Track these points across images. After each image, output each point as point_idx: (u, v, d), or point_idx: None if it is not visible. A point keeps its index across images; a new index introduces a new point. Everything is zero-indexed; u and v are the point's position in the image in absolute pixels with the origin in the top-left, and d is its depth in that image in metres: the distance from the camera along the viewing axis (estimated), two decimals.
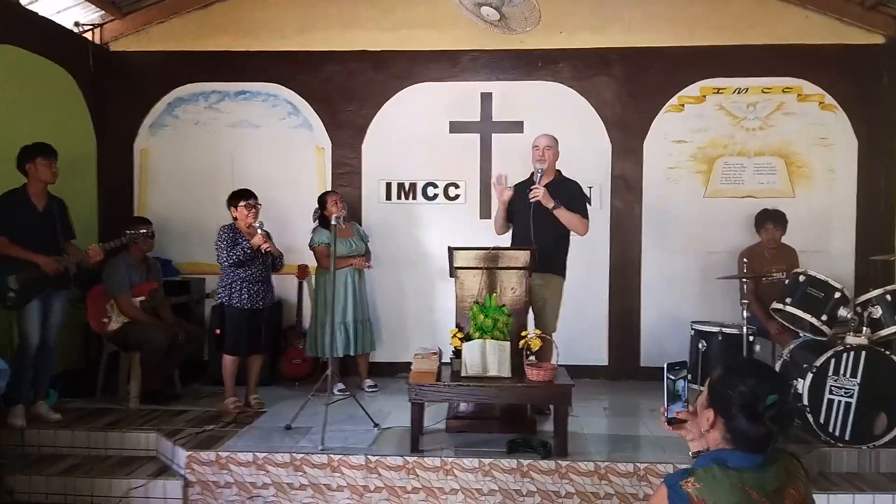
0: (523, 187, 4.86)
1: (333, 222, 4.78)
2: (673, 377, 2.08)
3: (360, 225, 5.98)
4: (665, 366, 2.10)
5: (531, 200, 4.64)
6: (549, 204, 4.65)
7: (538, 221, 4.67)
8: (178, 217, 6.31)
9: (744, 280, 4.90)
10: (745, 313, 4.86)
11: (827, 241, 5.98)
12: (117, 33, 6.34)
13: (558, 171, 4.99)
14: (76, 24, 6.08)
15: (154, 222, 6.17)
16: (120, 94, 6.34)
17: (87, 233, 5.92)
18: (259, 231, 4.87)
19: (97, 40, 6.29)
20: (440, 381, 4.14)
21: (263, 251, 4.91)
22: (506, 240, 5.08)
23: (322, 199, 5.64)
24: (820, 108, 6.06)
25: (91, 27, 6.21)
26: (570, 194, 4.83)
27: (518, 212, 4.88)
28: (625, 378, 6.13)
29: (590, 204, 5.96)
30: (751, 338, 4.91)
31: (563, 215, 4.71)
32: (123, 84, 6.34)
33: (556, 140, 4.96)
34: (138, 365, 5.19)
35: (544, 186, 4.72)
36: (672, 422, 2.11)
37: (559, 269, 4.90)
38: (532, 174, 4.82)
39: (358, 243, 5.67)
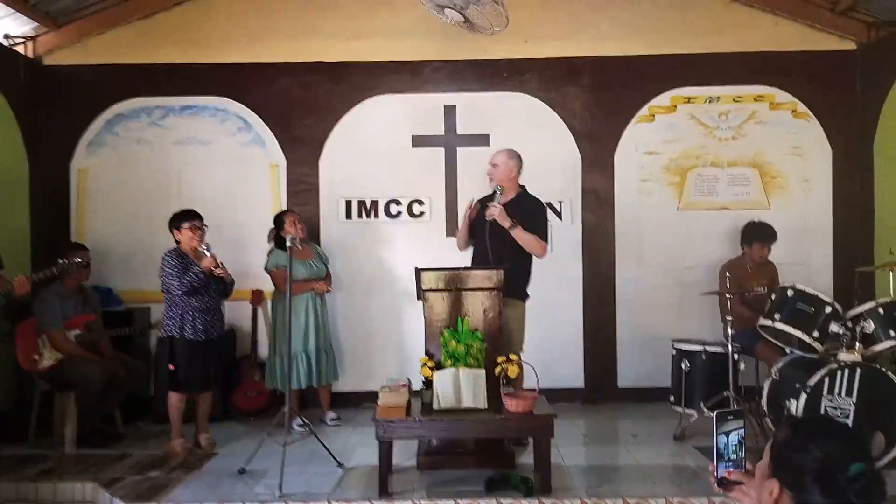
0: (483, 202, 4.61)
1: (289, 244, 4.38)
2: (724, 429, 1.73)
3: (320, 245, 5.60)
4: (714, 415, 1.74)
5: (487, 219, 4.39)
6: (506, 223, 4.39)
7: (495, 241, 4.41)
8: (120, 242, 5.84)
9: (728, 296, 4.64)
10: (729, 330, 4.61)
11: (805, 252, 5.80)
12: (52, 46, 5.89)
13: (522, 188, 4.74)
14: (6, 36, 5.62)
15: (94, 248, 5.73)
16: (55, 110, 5.87)
17: (19, 260, 5.43)
18: (207, 253, 4.47)
19: (29, 54, 5.83)
20: (410, 416, 3.77)
21: (216, 275, 4.50)
22: (468, 256, 4.79)
23: (279, 220, 5.24)
24: (793, 116, 5.91)
25: (23, 40, 5.75)
26: (528, 213, 4.58)
27: (477, 229, 4.60)
28: (602, 401, 5.84)
29: (560, 219, 5.78)
30: (735, 356, 4.66)
31: (520, 235, 4.45)
32: (58, 100, 5.88)
33: (516, 155, 4.70)
34: (74, 405, 4.71)
35: (503, 205, 4.46)
36: (723, 483, 1.73)
37: (519, 294, 4.58)
38: (493, 191, 4.55)
39: (318, 265, 5.29)
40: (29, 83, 5.72)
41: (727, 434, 1.72)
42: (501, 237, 4.42)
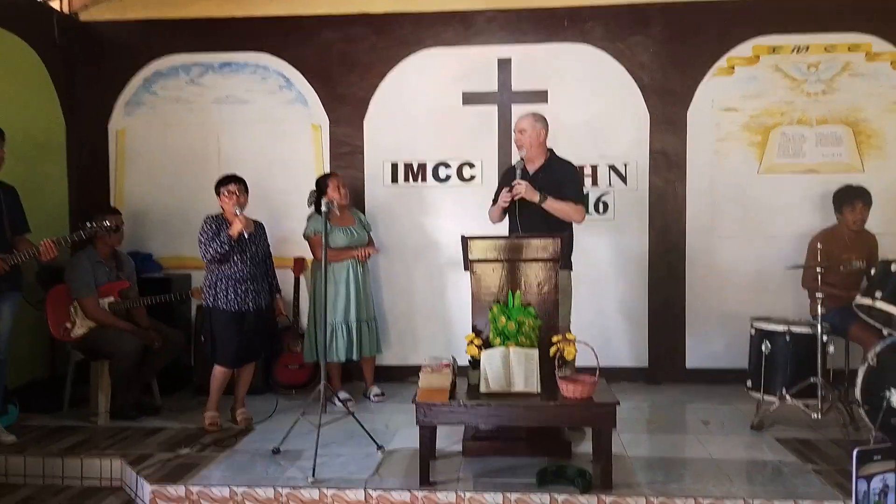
0: (512, 171, 4.31)
1: (324, 208, 4.03)
2: (866, 472, 1.27)
3: (363, 212, 5.23)
4: (854, 454, 1.29)
5: (514, 198, 4.09)
6: (535, 197, 4.10)
7: (526, 214, 4.12)
8: (160, 206, 5.61)
9: (819, 270, 4.08)
10: (820, 309, 4.07)
11: None
12: (87, 1, 5.63)
13: (550, 152, 4.36)
14: None
15: (133, 212, 5.57)
16: (91, 69, 5.64)
17: (57, 225, 5.28)
18: (238, 214, 4.16)
19: (64, 10, 5.59)
20: (454, 399, 3.39)
21: (246, 237, 4.20)
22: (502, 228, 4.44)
23: (321, 183, 4.91)
24: (892, 67, 5.22)
25: None
26: (558, 179, 4.23)
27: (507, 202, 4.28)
28: (667, 382, 5.36)
29: (625, 183, 5.32)
30: (824, 338, 4.12)
31: (553, 206, 4.14)
32: (95, 58, 5.63)
33: (542, 118, 4.30)
34: (107, 376, 4.51)
35: (532, 173, 4.20)
36: None
37: (565, 262, 4.17)
38: (516, 165, 4.24)
39: (360, 232, 4.94)
40: (64, 41, 5.49)
41: (868, 479, 1.26)
42: (531, 210, 4.11)
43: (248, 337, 4.34)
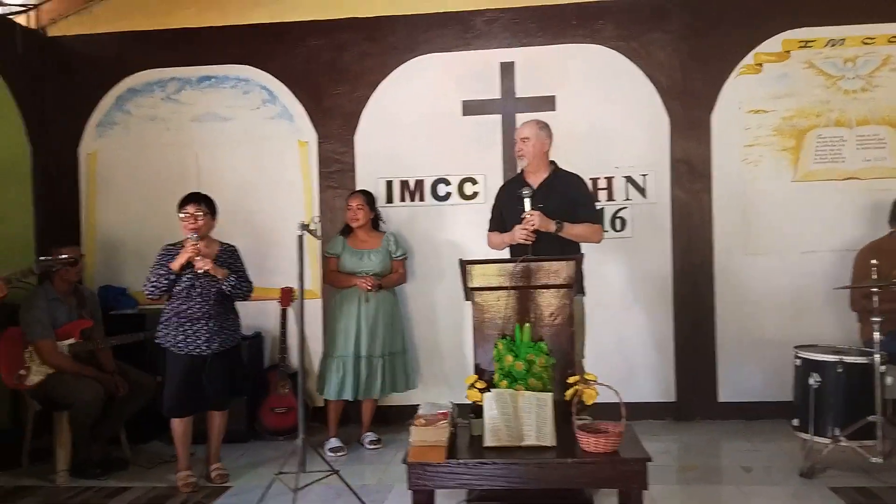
0: (512, 189, 3.85)
1: (312, 225, 3.59)
2: None
3: (393, 235, 4.64)
4: None
5: (525, 241, 3.62)
6: (551, 227, 3.65)
7: (535, 243, 3.63)
8: (135, 234, 5.13)
9: (873, 290, 3.53)
10: (877, 335, 3.51)
11: None
12: (55, 15, 5.21)
13: (553, 164, 3.88)
14: (0, 3, 4.95)
15: (105, 241, 5.13)
16: (59, 88, 5.20)
17: (21, 257, 4.76)
18: (193, 243, 3.66)
19: (31, 24, 5.17)
20: (453, 457, 2.85)
21: (198, 272, 3.68)
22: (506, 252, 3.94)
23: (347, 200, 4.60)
24: None
25: (22, 8, 5.09)
26: (569, 197, 3.78)
27: (507, 223, 3.84)
28: (698, 418, 4.79)
29: (644, 195, 4.81)
30: (882, 368, 3.56)
31: (570, 232, 3.71)
32: (63, 76, 5.20)
33: (546, 126, 3.86)
34: (67, 428, 4.01)
35: (536, 189, 3.77)
36: None
37: (578, 287, 3.65)
38: (520, 188, 3.75)
39: (378, 258, 4.44)
40: (29, 57, 5.06)
41: None
42: (540, 235, 3.63)
43: (198, 384, 3.76)
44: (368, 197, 4.53)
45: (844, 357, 3.69)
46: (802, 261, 4.71)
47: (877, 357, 3.54)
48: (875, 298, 3.55)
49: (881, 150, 4.71)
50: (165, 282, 3.68)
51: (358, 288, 4.37)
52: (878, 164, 4.71)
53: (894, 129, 4.70)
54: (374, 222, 4.55)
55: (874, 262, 3.61)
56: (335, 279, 4.46)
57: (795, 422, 3.85)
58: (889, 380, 3.61)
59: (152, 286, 3.70)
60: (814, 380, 3.71)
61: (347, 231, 4.51)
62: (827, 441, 3.66)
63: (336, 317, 4.42)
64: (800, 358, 3.85)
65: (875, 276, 3.60)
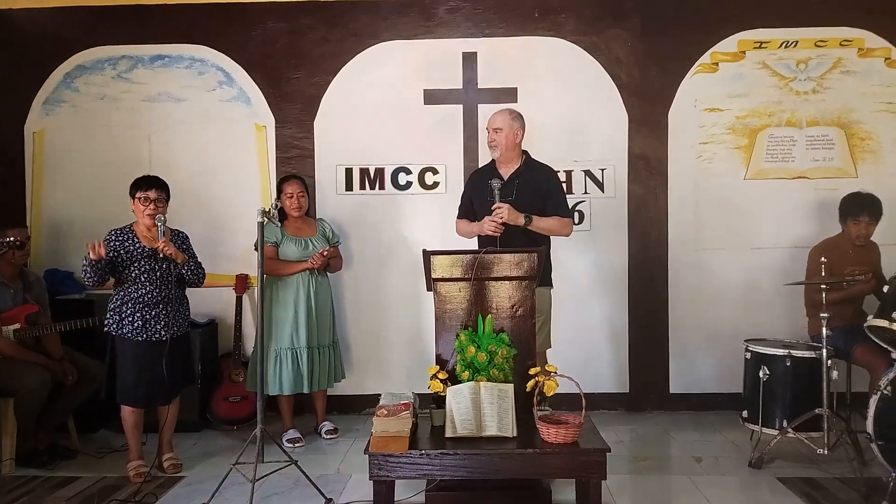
0: (482, 178, 3.82)
1: (258, 218, 3.47)
2: None
3: (326, 221, 4.60)
4: None
5: (493, 233, 3.57)
6: (519, 220, 3.62)
7: (503, 234, 3.60)
8: (83, 217, 4.95)
9: (823, 287, 3.65)
10: (825, 330, 3.63)
11: None
12: None
13: (525, 154, 3.86)
14: None
15: (52, 223, 4.96)
16: (5, 63, 4.98)
17: None
18: (160, 227, 3.58)
19: None
20: (415, 448, 2.85)
21: (162, 256, 3.60)
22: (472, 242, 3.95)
23: (279, 186, 4.43)
24: (886, 65, 4.85)
25: None
26: (540, 189, 3.75)
27: (477, 211, 3.83)
28: (650, 409, 4.90)
29: (602, 190, 4.86)
30: (828, 362, 3.69)
31: (539, 225, 3.68)
32: (9, 50, 4.98)
33: (519, 115, 3.82)
34: (12, 416, 3.87)
35: (507, 179, 3.76)
36: None
37: (545, 279, 3.71)
38: (490, 178, 3.74)
39: (319, 244, 4.36)
40: None
41: None
42: (508, 227, 3.61)
43: (157, 372, 3.64)
44: (304, 183, 4.45)
45: (793, 351, 3.81)
46: (753, 257, 4.84)
47: (824, 352, 3.66)
48: (823, 295, 3.67)
49: (829, 151, 4.86)
50: (95, 270, 3.52)
51: (304, 272, 4.25)
52: (826, 165, 4.86)
53: (842, 131, 4.85)
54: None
55: (823, 259, 3.72)
56: (276, 267, 4.23)
57: (745, 413, 3.96)
58: (835, 374, 3.73)
59: (86, 272, 3.54)
60: (763, 373, 3.82)
61: (282, 218, 4.32)
62: (775, 432, 3.77)
63: (274, 307, 4.24)
64: (750, 351, 3.96)
65: (823, 274, 3.71)
